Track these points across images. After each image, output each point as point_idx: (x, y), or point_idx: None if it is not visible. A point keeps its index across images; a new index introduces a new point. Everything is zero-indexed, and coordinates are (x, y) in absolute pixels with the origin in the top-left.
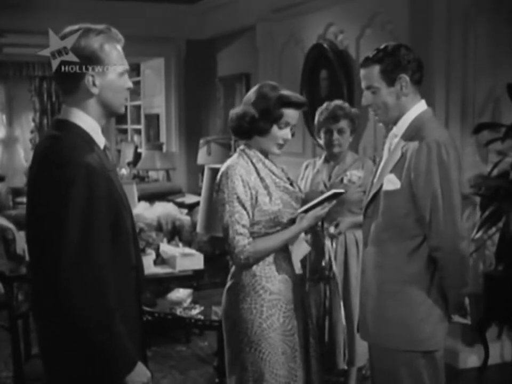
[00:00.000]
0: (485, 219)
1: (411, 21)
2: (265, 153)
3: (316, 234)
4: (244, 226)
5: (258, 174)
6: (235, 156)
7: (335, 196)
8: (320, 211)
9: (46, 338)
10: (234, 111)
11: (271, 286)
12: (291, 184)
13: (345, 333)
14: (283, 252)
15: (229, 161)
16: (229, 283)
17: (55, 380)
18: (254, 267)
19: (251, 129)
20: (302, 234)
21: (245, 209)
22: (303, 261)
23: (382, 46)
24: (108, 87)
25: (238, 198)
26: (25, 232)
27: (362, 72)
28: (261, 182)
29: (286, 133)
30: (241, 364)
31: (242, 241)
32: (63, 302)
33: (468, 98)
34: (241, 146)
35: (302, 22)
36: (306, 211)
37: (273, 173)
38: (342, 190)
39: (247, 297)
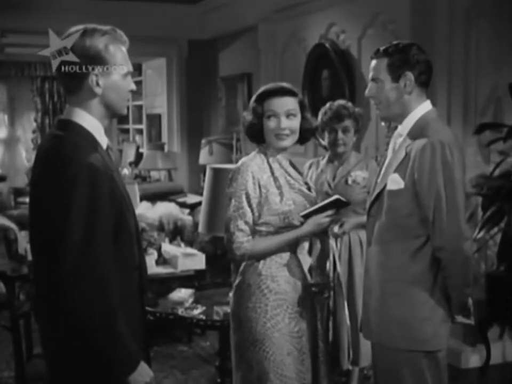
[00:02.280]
0: (486, 219)
1: (413, 21)
2: (283, 154)
3: (323, 240)
4: (246, 223)
5: (272, 173)
6: (253, 153)
7: (338, 203)
8: (323, 219)
9: (49, 338)
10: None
11: (276, 286)
12: (309, 189)
13: (349, 333)
14: (293, 254)
15: (244, 158)
16: (236, 281)
17: (58, 380)
18: (260, 266)
19: (249, 133)
20: (305, 246)
21: (250, 206)
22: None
23: (396, 42)
24: (111, 87)
25: (246, 194)
26: (28, 232)
27: (371, 63)
28: (274, 182)
29: (277, 123)
30: (247, 363)
31: (242, 238)
32: (65, 302)
33: (470, 98)
34: (261, 146)
35: (304, 22)
36: (307, 215)
37: (289, 174)
38: (346, 200)
39: (252, 296)
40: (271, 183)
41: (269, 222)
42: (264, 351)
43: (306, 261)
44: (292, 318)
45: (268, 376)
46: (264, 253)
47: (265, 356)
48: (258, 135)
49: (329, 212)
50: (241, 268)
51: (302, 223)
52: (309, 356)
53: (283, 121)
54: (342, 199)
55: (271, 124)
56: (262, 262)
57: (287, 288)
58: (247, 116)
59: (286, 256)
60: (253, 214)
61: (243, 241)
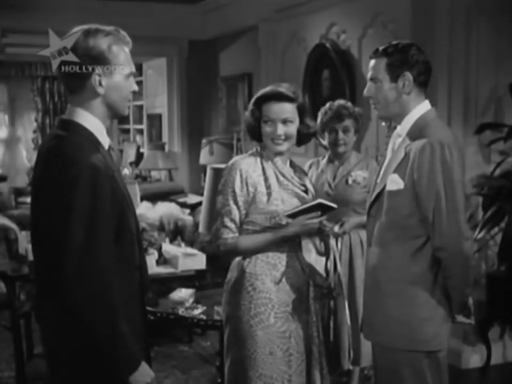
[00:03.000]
0: (487, 219)
1: (413, 20)
2: (280, 156)
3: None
4: (232, 220)
5: (264, 173)
6: (247, 153)
7: (321, 206)
8: (307, 220)
9: (49, 338)
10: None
11: (261, 285)
12: (305, 191)
13: (350, 333)
14: (282, 254)
15: (236, 157)
16: (226, 279)
17: (59, 380)
18: (245, 264)
19: (250, 135)
20: (312, 248)
21: (236, 204)
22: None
23: (395, 42)
24: (114, 88)
25: (233, 191)
26: (28, 232)
27: (370, 62)
28: (264, 181)
29: (273, 129)
30: (230, 359)
31: (227, 235)
32: (67, 302)
33: (470, 98)
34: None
35: (304, 22)
36: (293, 215)
37: (283, 175)
38: (332, 204)
39: (238, 294)
40: (261, 183)
41: (255, 221)
42: (245, 348)
43: (317, 261)
44: (279, 318)
45: (247, 373)
46: (248, 251)
47: (246, 354)
48: (257, 135)
49: (314, 214)
50: (231, 265)
51: (287, 223)
52: (299, 358)
53: (279, 127)
54: (325, 203)
55: (267, 128)
56: (247, 260)
57: (272, 288)
58: (247, 117)
59: (273, 256)
60: (240, 212)
61: (227, 237)
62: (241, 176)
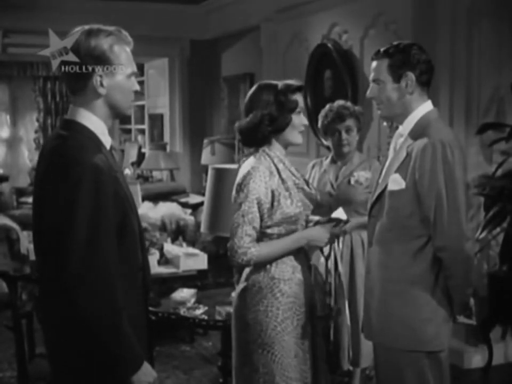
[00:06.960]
0: (489, 219)
1: (415, 21)
2: (284, 154)
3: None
4: (254, 228)
5: (280, 175)
6: (257, 156)
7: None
8: (328, 232)
9: (52, 338)
10: (245, 123)
11: (288, 289)
12: (307, 185)
13: (350, 333)
14: (299, 254)
15: (252, 162)
16: (243, 284)
17: (61, 380)
18: (273, 269)
19: (273, 130)
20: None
21: (260, 211)
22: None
23: (396, 42)
24: (116, 88)
25: (257, 199)
26: (30, 231)
27: (372, 64)
28: (282, 184)
29: (303, 118)
30: (252, 365)
31: (249, 243)
32: (70, 302)
33: (472, 98)
34: (263, 147)
35: (306, 22)
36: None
37: (293, 174)
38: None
39: (264, 300)
40: (281, 186)
41: (281, 225)
42: (273, 354)
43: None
44: (299, 320)
45: (274, 378)
46: (269, 258)
47: (273, 359)
48: (269, 135)
49: (329, 226)
50: (247, 271)
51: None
52: (310, 355)
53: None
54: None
55: (302, 118)
56: (274, 265)
57: (297, 290)
58: (264, 112)
59: (297, 258)
60: (262, 220)
61: (250, 246)
62: (265, 183)
